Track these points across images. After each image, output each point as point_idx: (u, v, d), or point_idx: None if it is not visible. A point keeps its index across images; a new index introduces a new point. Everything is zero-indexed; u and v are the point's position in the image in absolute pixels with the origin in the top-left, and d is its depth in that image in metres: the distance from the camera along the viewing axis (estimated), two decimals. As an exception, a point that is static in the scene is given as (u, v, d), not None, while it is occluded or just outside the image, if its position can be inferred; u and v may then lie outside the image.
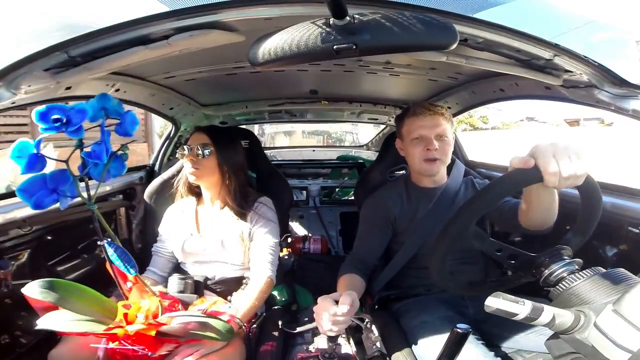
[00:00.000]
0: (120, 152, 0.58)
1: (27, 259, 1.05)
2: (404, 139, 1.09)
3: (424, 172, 1.05)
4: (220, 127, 1.21)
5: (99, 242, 0.62)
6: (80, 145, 0.54)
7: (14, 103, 0.79)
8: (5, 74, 0.72)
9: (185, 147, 1.08)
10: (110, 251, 0.63)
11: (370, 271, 1.06)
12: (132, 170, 1.64)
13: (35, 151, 0.50)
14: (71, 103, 0.55)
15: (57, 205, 0.53)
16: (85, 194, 0.56)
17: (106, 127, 0.56)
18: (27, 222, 1.00)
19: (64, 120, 0.50)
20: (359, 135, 4.17)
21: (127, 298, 0.73)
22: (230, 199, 1.09)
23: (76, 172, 0.55)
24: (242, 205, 1.10)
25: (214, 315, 0.81)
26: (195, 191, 1.18)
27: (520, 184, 0.62)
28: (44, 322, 0.62)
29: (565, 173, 0.54)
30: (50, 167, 0.53)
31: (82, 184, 0.56)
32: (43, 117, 0.50)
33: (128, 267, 0.64)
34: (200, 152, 1.05)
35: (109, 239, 0.63)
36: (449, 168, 1.14)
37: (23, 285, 0.64)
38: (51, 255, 1.17)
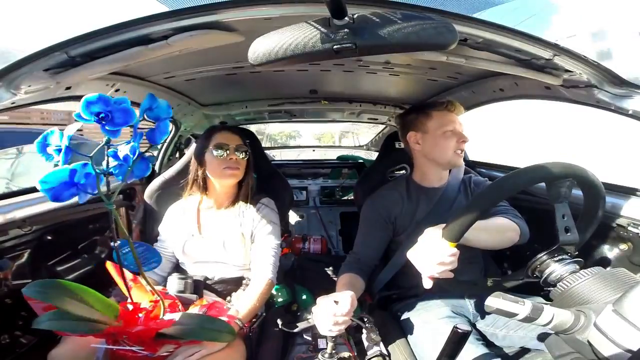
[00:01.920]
0: (148, 154, 0.57)
1: (27, 259, 1.05)
2: (429, 131, 1.07)
3: (454, 163, 1.07)
4: (240, 128, 1.24)
5: (111, 243, 0.62)
6: (108, 143, 0.53)
7: (13, 103, 0.79)
8: (5, 74, 0.72)
9: (221, 147, 1.07)
10: (124, 251, 0.62)
11: (370, 271, 1.06)
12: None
13: (67, 143, 0.50)
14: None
15: (62, 202, 0.53)
16: (105, 191, 0.56)
17: (138, 129, 0.55)
18: (27, 222, 1.00)
19: (107, 117, 0.50)
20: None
21: (131, 298, 0.73)
22: (245, 198, 1.12)
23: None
24: (244, 206, 1.11)
25: (214, 315, 0.81)
26: (203, 190, 1.17)
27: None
28: (43, 323, 0.62)
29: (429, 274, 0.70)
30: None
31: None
32: (88, 106, 0.49)
33: (132, 267, 0.64)
34: (240, 152, 1.09)
35: (124, 240, 0.62)
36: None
37: (23, 285, 0.63)
38: (51, 255, 1.17)
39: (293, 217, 2.22)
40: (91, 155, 0.52)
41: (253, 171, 1.15)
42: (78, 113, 0.49)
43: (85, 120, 0.49)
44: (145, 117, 0.56)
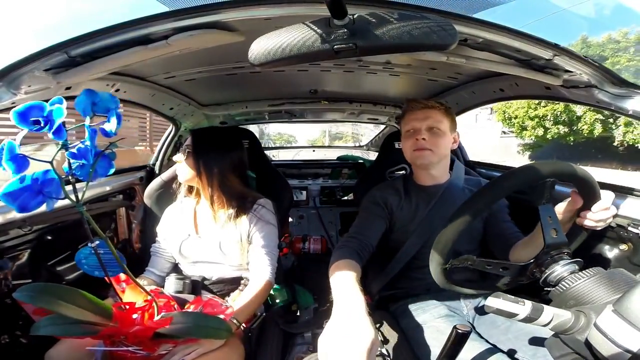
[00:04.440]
0: (107, 151, 0.56)
1: (27, 259, 1.05)
2: (402, 135, 1.11)
3: (415, 161, 1.07)
4: (210, 130, 1.22)
5: (89, 244, 0.61)
6: (65, 145, 0.52)
7: (14, 103, 0.78)
8: (5, 74, 0.72)
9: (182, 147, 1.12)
10: (100, 252, 0.62)
11: (368, 254, 0.97)
12: (132, 170, 1.64)
13: (18, 152, 0.48)
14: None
15: (61, 203, 0.52)
16: (73, 196, 0.54)
17: (91, 125, 0.54)
18: (27, 222, 1.00)
19: (42, 122, 0.48)
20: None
21: (120, 299, 0.73)
22: (209, 201, 1.09)
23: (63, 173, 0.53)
24: (239, 207, 1.09)
25: (210, 314, 0.81)
26: (195, 192, 1.18)
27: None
28: (41, 329, 0.62)
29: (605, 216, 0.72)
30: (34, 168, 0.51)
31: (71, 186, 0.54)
32: (23, 117, 0.48)
33: (109, 270, 0.64)
34: (183, 153, 1.10)
35: (100, 240, 0.62)
36: (450, 167, 1.14)
37: (23, 285, 0.63)
38: (51, 255, 1.17)
39: (293, 217, 2.22)
40: (50, 160, 0.51)
41: (208, 174, 1.08)
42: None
43: (28, 130, 0.48)
44: (95, 112, 0.55)
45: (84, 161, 0.52)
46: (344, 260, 0.84)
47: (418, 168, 1.10)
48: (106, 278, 0.66)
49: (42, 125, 0.49)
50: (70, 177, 0.53)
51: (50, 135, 0.49)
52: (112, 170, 0.57)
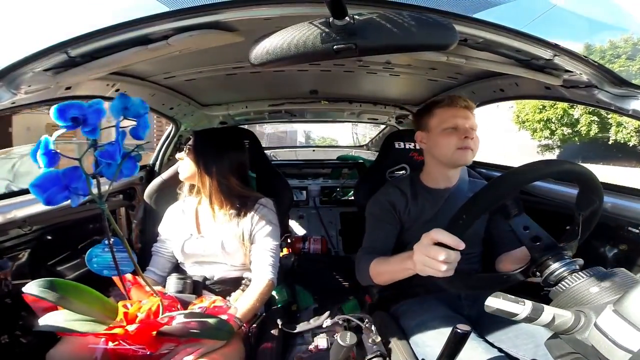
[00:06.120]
0: (134, 153, 0.59)
1: (27, 259, 1.05)
2: (431, 130, 1.05)
3: (456, 160, 1.02)
4: (211, 131, 1.24)
5: (105, 242, 0.62)
6: (94, 145, 0.54)
7: (14, 103, 0.79)
8: (5, 74, 0.72)
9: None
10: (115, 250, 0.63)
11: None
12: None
13: (52, 147, 0.51)
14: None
15: (60, 204, 0.53)
16: (96, 192, 0.56)
17: (121, 127, 0.56)
18: (27, 222, 1.00)
19: (80, 120, 0.51)
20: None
21: (129, 298, 0.73)
22: (208, 200, 1.10)
23: (89, 170, 0.55)
24: (240, 207, 1.09)
25: (214, 314, 0.81)
26: (197, 191, 1.18)
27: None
28: (44, 323, 0.62)
29: None
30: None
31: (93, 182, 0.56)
32: (61, 114, 0.51)
33: (122, 268, 0.64)
34: (185, 151, 1.12)
35: (116, 238, 0.63)
36: None
37: (23, 285, 0.64)
38: (51, 255, 1.17)
39: (293, 217, 2.22)
40: (79, 157, 0.53)
41: (207, 174, 1.09)
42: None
43: (62, 127, 0.51)
44: (126, 116, 0.57)
45: (111, 161, 0.55)
46: (374, 261, 0.95)
47: (448, 166, 1.06)
48: (116, 277, 0.66)
49: (79, 123, 0.51)
50: (96, 175, 0.55)
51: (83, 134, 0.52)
52: (137, 171, 0.60)
